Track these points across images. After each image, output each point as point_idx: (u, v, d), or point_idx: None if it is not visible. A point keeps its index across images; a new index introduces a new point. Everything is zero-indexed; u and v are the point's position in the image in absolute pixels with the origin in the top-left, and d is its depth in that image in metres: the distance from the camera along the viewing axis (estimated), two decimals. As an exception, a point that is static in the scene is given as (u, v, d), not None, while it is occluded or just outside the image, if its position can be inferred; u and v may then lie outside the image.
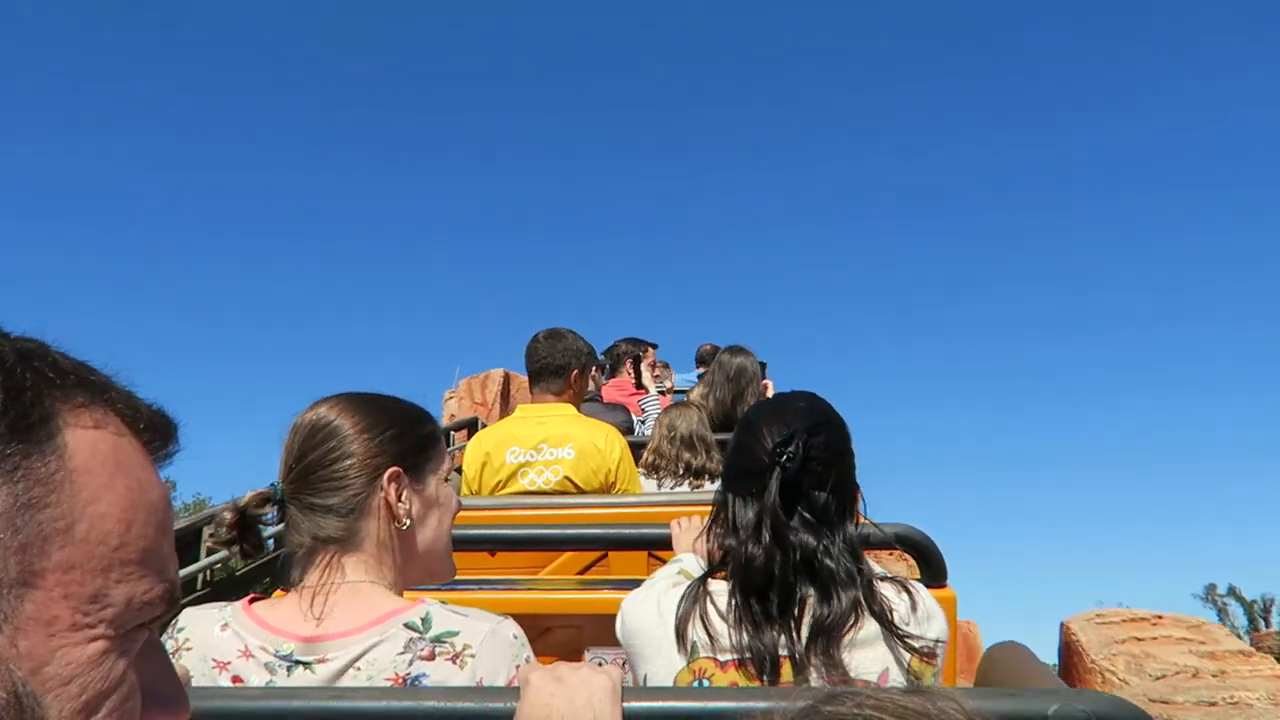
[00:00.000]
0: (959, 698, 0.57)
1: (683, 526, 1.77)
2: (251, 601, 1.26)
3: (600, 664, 1.07)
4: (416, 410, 1.38)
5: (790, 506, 1.38)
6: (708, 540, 1.50)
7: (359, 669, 1.16)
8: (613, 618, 1.49)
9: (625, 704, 1.00)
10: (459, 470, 3.33)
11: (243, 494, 1.28)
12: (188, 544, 5.42)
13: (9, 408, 0.44)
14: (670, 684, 1.35)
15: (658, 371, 6.23)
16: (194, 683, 1.16)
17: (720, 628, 1.35)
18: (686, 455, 3.62)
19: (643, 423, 5.23)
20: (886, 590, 1.39)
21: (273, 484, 1.28)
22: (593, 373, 3.72)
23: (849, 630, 1.33)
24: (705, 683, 1.34)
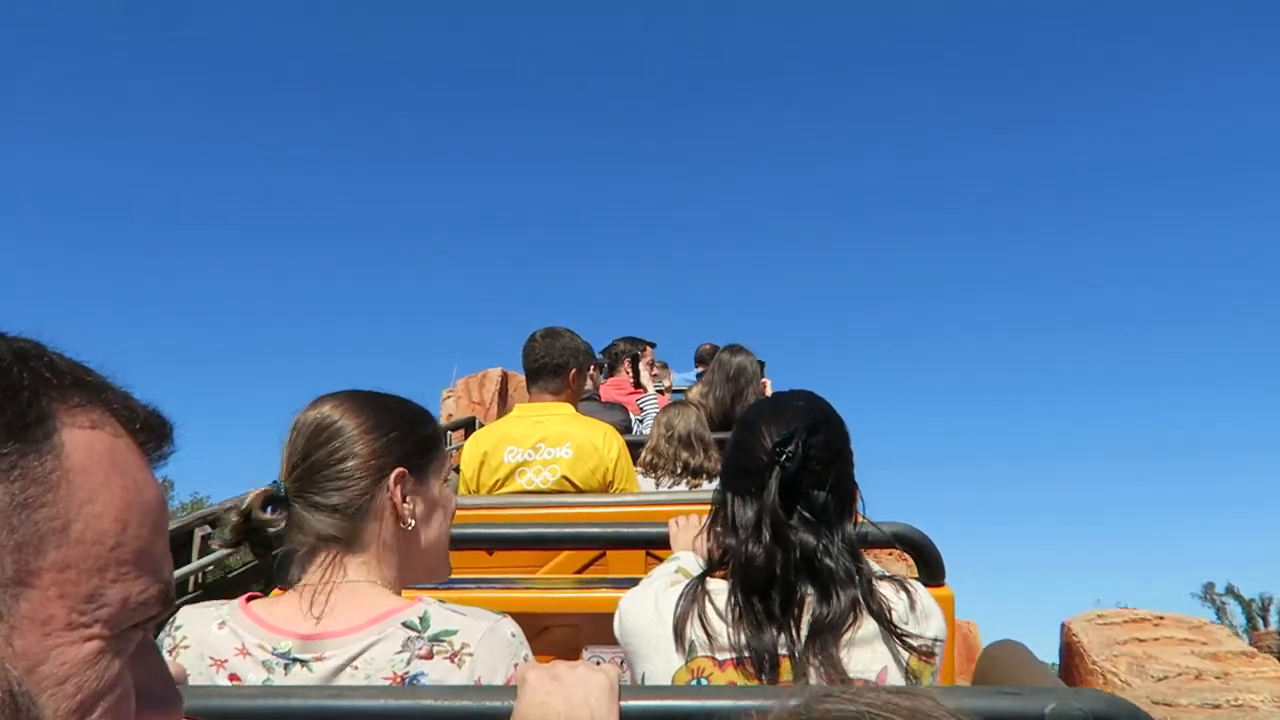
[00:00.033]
0: (938, 696, 0.57)
1: (681, 525, 1.77)
2: (249, 600, 1.27)
3: (598, 662, 1.07)
4: (420, 410, 1.38)
5: (789, 506, 1.38)
6: (708, 539, 1.50)
7: (357, 668, 1.16)
8: (610, 616, 1.49)
9: (622, 702, 1.00)
10: (456, 470, 3.33)
11: (241, 493, 1.27)
12: (180, 545, 5.40)
13: (6, 407, 0.44)
14: (668, 683, 1.35)
15: (656, 370, 6.24)
16: (191, 681, 1.17)
17: (718, 626, 1.35)
18: (684, 454, 3.62)
19: (641, 422, 5.23)
20: (885, 589, 1.39)
21: (275, 482, 1.28)
22: (590, 372, 3.72)
23: (848, 629, 1.33)
24: (703, 681, 1.34)
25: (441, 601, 1.24)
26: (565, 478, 3.05)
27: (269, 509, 1.26)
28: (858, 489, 1.49)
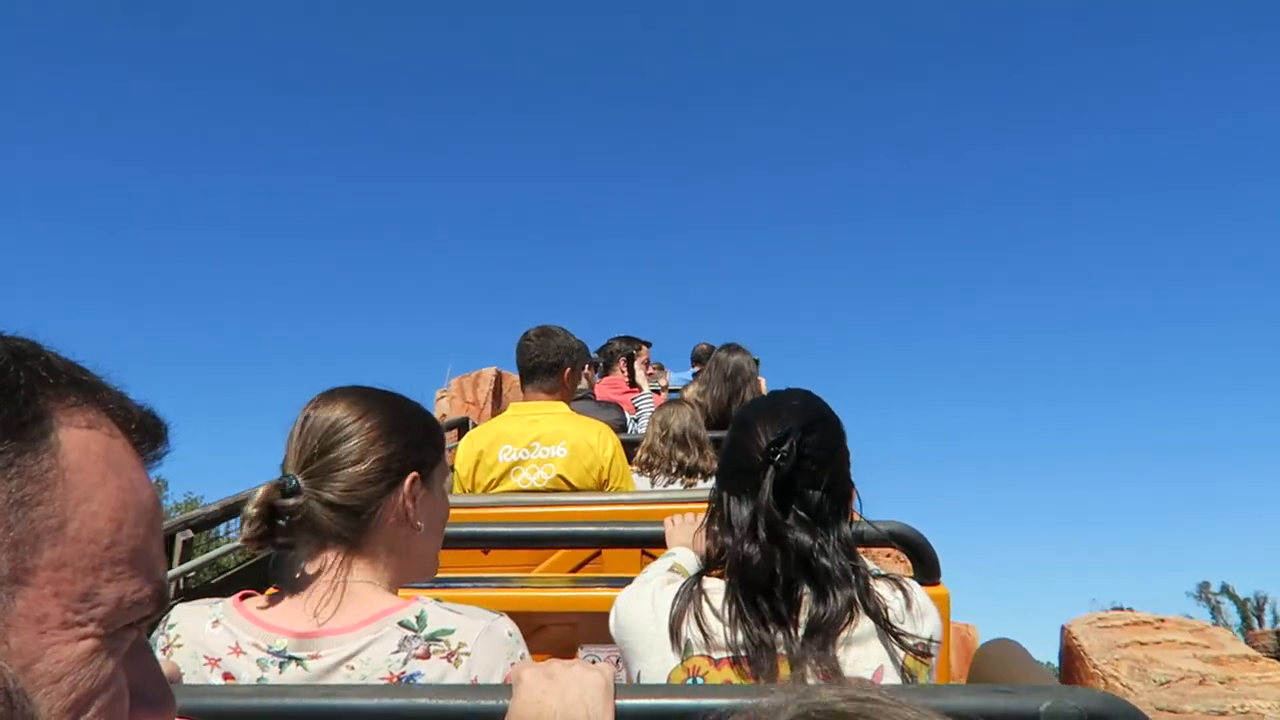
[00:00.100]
0: (914, 695, 0.57)
1: (676, 524, 1.77)
2: (243, 598, 1.26)
3: (593, 661, 1.07)
4: (428, 413, 1.38)
5: (784, 505, 1.38)
6: (705, 537, 1.50)
7: (353, 667, 1.16)
8: (606, 615, 1.49)
9: (618, 701, 1.00)
10: (451, 469, 3.33)
11: (237, 492, 1.27)
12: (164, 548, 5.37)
13: (2, 406, 0.45)
14: (663, 681, 1.35)
15: (651, 370, 6.24)
16: (185, 679, 1.16)
17: (715, 625, 1.35)
18: (680, 453, 3.62)
19: (636, 420, 5.23)
20: (881, 588, 1.39)
21: (286, 475, 1.25)
22: (585, 370, 3.72)
23: (844, 628, 1.33)
24: (699, 680, 1.34)
25: (438, 600, 1.24)
26: (560, 477, 3.05)
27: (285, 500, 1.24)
28: (854, 488, 1.49)
